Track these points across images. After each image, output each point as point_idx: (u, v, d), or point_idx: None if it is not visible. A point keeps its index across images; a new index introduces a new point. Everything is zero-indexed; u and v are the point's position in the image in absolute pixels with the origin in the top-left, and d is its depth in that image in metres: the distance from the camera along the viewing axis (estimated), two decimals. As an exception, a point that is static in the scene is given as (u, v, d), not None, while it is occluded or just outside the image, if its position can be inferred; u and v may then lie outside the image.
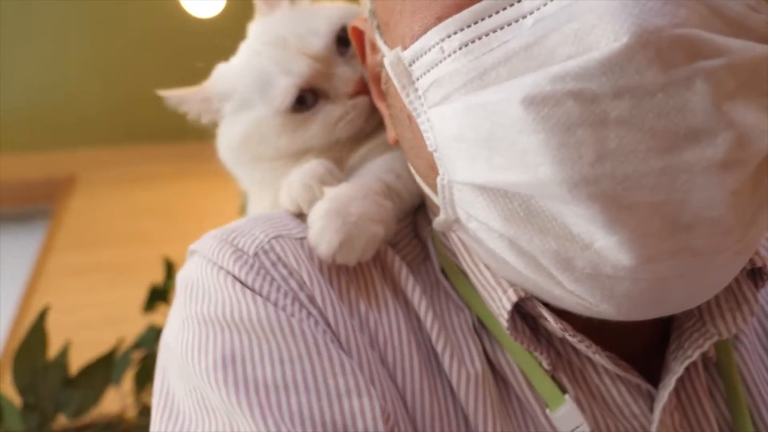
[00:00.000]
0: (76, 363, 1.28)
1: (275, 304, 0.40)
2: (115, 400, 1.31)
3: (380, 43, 0.42)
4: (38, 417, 1.06)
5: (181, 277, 0.46)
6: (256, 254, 0.43)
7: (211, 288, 0.42)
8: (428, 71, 0.36)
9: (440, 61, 0.35)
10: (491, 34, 0.33)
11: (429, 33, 0.35)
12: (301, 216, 0.48)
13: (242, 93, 0.53)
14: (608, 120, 0.29)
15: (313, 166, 0.49)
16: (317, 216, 0.45)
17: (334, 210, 0.44)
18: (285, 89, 0.51)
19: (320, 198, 0.47)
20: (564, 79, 0.30)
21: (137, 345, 1.33)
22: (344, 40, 0.52)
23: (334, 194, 0.46)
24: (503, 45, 0.32)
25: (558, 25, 0.31)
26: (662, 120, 0.29)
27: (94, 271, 2.10)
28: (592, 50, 0.29)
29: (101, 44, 2.19)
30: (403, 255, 0.46)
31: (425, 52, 0.36)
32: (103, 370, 1.21)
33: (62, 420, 1.19)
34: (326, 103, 0.51)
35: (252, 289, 0.41)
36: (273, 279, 0.42)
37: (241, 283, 0.41)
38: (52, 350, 1.24)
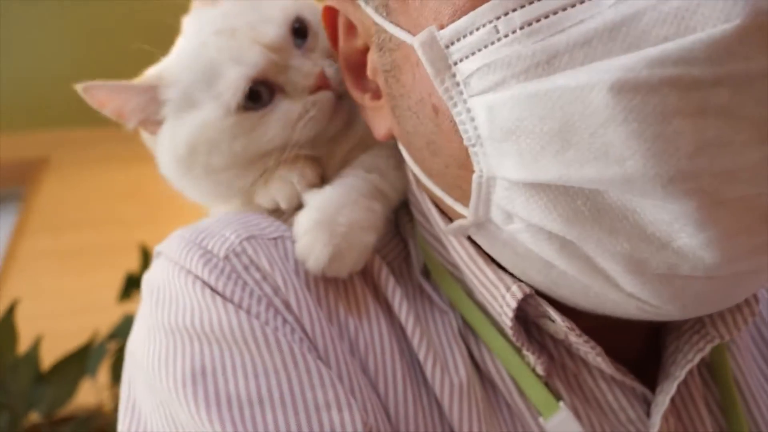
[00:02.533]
0: (49, 353, 1.25)
1: (248, 312, 0.38)
2: (91, 393, 1.28)
3: (385, 23, 0.37)
4: (8, 416, 1.04)
5: (147, 281, 0.43)
6: (226, 257, 0.40)
7: (179, 294, 0.40)
8: (473, 54, 0.32)
9: (492, 42, 0.31)
10: (560, 12, 0.29)
11: (481, 8, 0.31)
12: (275, 213, 0.46)
13: (186, 89, 0.45)
14: (707, 108, 0.27)
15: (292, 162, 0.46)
16: (304, 229, 0.41)
17: (322, 221, 0.41)
18: (235, 81, 0.43)
19: (300, 193, 0.44)
20: (663, 63, 0.27)
21: (113, 335, 1.30)
22: (300, 32, 0.46)
23: (320, 202, 0.43)
24: (578, 25, 0.29)
25: (651, 2, 0.27)
26: (761, 108, 0.27)
27: (68, 256, 2.07)
28: (697, 31, 0.26)
29: (75, 23, 2.14)
30: (384, 254, 0.44)
31: (471, 32, 0.31)
32: (77, 363, 1.18)
33: (34, 417, 1.17)
34: (283, 99, 0.45)
35: (222, 296, 0.39)
36: (245, 284, 0.39)
37: (211, 288, 0.39)
38: (24, 340, 1.22)
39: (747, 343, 0.44)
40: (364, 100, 0.43)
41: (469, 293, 0.41)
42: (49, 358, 1.25)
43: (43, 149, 2.49)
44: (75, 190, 2.34)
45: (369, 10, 0.39)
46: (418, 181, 0.42)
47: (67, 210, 2.28)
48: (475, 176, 0.34)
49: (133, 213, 2.11)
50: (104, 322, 1.39)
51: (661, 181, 0.28)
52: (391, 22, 0.37)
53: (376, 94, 0.42)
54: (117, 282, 1.41)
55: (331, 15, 0.44)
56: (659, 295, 0.32)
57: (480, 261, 0.39)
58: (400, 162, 0.45)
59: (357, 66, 0.43)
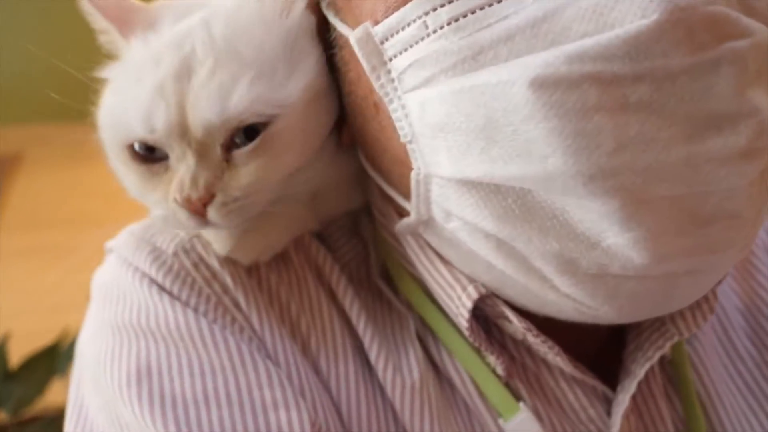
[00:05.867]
0: (19, 351, 1.23)
1: (195, 310, 0.37)
2: (61, 392, 1.26)
3: (335, 21, 0.37)
4: (-27, 414, 1.02)
5: (97, 279, 0.42)
6: (175, 254, 0.39)
7: (126, 292, 0.39)
8: (405, 50, 0.31)
9: (422, 38, 0.30)
10: (486, 8, 0.29)
11: (409, 5, 0.31)
12: None
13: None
14: (628, 105, 0.27)
15: None
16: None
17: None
18: (123, 132, 0.36)
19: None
20: (582, 59, 0.26)
21: (84, 333, 1.28)
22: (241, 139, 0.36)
23: None
24: (503, 20, 0.28)
25: None
26: (684, 105, 0.27)
27: (40, 254, 2.03)
28: (615, 27, 0.26)
29: (51, 18, 2.11)
30: (340, 255, 0.43)
31: (403, 28, 0.31)
32: (46, 362, 1.17)
33: (1, 416, 1.15)
34: (179, 163, 0.36)
35: (170, 293, 0.38)
36: (194, 282, 0.38)
37: (158, 286, 0.38)
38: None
39: (712, 341, 0.44)
40: None
41: (428, 293, 0.40)
42: (19, 356, 1.23)
43: (17, 145, 2.45)
44: (49, 187, 2.31)
45: (323, 7, 0.38)
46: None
47: (40, 207, 2.25)
48: (413, 174, 0.34)
49: (108, 211, 2.07)
50: (76, 319, 1.36)
51: (582, 178, 0.28)
52: (340, 19, 0.36)
53: None
54: (89, 281, 1.39)
55: None
56: (593, 296, 0.32)
57: (437, 261, 0.38)
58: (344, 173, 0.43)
59: None
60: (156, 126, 0.34)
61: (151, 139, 0.35)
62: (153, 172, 0.36)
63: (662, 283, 0.31)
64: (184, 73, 0.34)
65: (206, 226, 0.36)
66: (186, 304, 0.37)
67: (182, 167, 0.35)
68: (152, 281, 0.38)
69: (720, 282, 0.38)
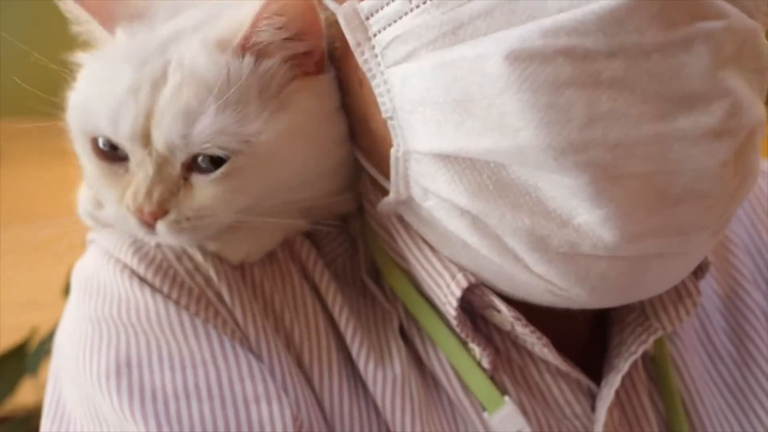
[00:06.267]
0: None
1: (177, 303, 0.37)
2: (32, 392, 1.24)
3: (327, 1, 0.36)
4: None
5: (77, 270, 0.42)
6: (158, 245, 0.39)
7: (107, 284, 0.38)
8: (389, 25, 0.32)
9: (405, 13, 0.31)
10: None
11: None
12: None
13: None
14: (600, 80, 0.27)
15: None
16: None
17: None
18: (90, 126, 0.36)
19: None
20: (557, 33, 0.27)
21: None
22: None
23: None
24: None
25: None
26: (656, 83, 0.28)
27: (16, 250, 1.99)
28: (591, 2, 0.27)
29: (29, 12, 2.08)
30: (326, 252, 0.43)
31: (387, 3, 0.32)
32: (15, 361, 1.14)
33: (-31, 416, 1.12)
34: (138, 168, 0.35)
35: (151, 286, 0.37)
36: (176, 274, 0.38)
37: (140, 278, 0.38)
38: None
39: (693, 341, 0.44)
40: None
41: (417, 285, 0.40)
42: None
43: (-12, 141, 2.41)
44: (27, 183, 2.27)
45: None
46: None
47: (9, 203, 2.20)
48: (393, 150, 0.34)
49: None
50: (50, 317, 1.34)
51: (552, 152, 0.28)
52: None
53: None
54: (61, 277, 1.37)
55: None
56: (565, 277, 0.32)
57: (427, 250, 0.38)
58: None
59: None
60: (121, 128, 0.34)
61: (114, 139, 0.35)
62: (113, 170, 0.36)
63: (633, 265, 0.32)
64: (161, 81, 0.34)
65: (154, 238, 0.36)
66: (168, 296, 0.37)
67: (140, 174, 0.35)
68: (133, 273, 0.38)
69: (702, 277, 0.39)
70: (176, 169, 0.35)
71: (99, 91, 0.35)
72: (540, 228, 0.31)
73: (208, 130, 0.33)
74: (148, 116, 0.34)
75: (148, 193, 0.34)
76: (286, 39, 0.35)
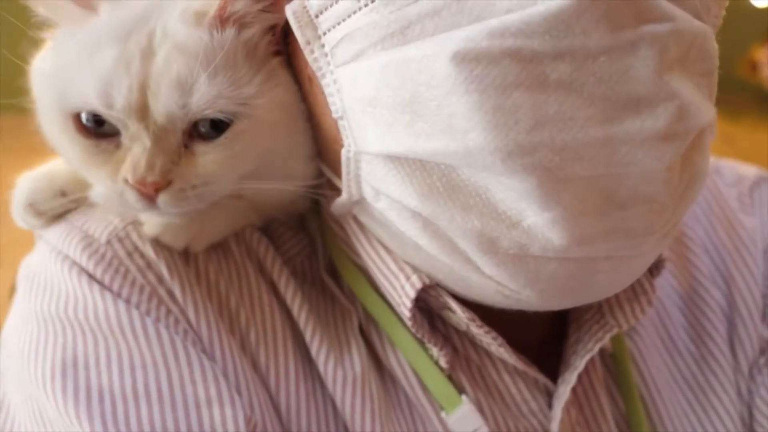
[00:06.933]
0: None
1: (127, 301, 0.36)
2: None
3: None
4: None
5: (24, 267, 0.40)
6: (108, 242, 0.37)
7: (54, 281, 0.37)
8: (338, 24, 0.31)
9: (354, 12, 0.31)
10: None
11: None
12: None
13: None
14: (548, 83, 0.27)
15: None
16: None
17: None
18: (72, 102, 0.34)
19: None
20: (503, 34, 0.27)
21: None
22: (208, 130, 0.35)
23: None
24: None
25: None
26: (602, 86, 0.27)
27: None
28: (537, 4, 0.27)
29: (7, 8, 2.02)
30: (285, 250, 0.42)
31: (336, 1, 0.31)
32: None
33: None
34: (133, 142, 0.34)
35: (100, 283, 0.36)
36: (127, 271, 0.37)
37: (89, 275, 0.36)
38: None
39: (651, 335, 0.45)
40: None
41: (373, 284, 0.40)
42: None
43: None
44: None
45: None
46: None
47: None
48: (343, 151, 0.34)
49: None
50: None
51: (500, 155, 0.28)
52: None
53: None
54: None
55: None
56: (515, 278, 0.32)
57: (381, 249, 0.38)
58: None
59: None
60: (115, 102, 0.32)
61: (105, 113, 0.33)
62: (100, 147, 0.34)
63: (582, 267, 0.32)
64: (149, 52, 0.33)
65: (152, 211, 0.35)
66: (117, 294, 0.36)
67: (137, 148, 0.33)
68: (82, 270, 0.36)
69: (657, 275, 0.39)
70: (176, 138, 0.34)
71: (80, 64, 0.33)
72: (490, 230, 0.31)
73: (206, 97, 0.33)
74: (143, 88, 0.32)
75: (150, 164, 0.33)
76: (261, 11, 0.35)
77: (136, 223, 0.38)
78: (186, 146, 0.34)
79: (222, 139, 0.34)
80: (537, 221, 0.29)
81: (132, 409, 0.32)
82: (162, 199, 0.34)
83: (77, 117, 0.34)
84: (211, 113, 0.33)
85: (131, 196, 0.34)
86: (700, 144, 0.32)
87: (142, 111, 0.33)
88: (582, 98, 0.27)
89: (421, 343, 0.38)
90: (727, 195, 0.48)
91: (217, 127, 0.34)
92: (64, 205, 0.39)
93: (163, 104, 0.33)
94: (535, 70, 0.27)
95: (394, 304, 0.38)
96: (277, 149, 0.37)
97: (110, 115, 0.33)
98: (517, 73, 0.27)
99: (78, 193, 0.38)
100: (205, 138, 0.34)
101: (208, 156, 0.34)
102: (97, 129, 0.34)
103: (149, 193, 0.34)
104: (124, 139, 0.34)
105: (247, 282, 0.39)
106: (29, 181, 0.40)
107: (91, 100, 0.33)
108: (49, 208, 0.39)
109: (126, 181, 0.34)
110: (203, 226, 0.38)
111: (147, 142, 0.33)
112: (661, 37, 0.28)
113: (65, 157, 0.37)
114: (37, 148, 0.37)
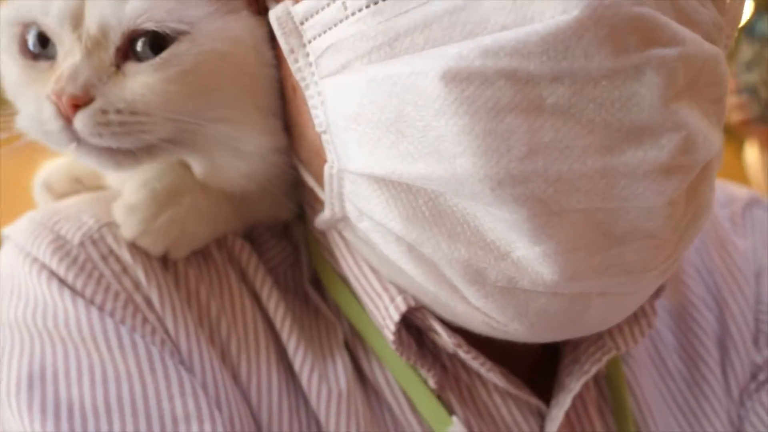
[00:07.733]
0: None
1: (101, 308, 0.34)
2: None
3: (269, 2, 0.34)
4: None
5: None
6: (82, 244, 0.35)
7: (21, 285, 0.35)
8: (324, 32, 0.30)
9: (341, 21, 0.29)
10: None
11: None
12: None
13: None
14: (544, 107, 0.25)
15: None
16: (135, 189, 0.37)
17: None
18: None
19: None
20: (497, 53, 0.25)
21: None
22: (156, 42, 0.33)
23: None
24: (422, 6, 0.27)
25: None
26: (603, 113, 0.26)
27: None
28: (535, 22, 0.25)
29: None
30: (268, 258, 0.40)
31: (323, 8, 0.30)
32: None
33: None
34: (66, 58, 0.32)
35: (72, 289, 0.34)
36: (101, 276, 0.35)
37: (59, 280, 0.34)
38: None
39: (644, 358, 0.44)
40: None
41: (359, 299, 0.38)
42: None
43: None
44: None
45: None
46: None
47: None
48: (326, 167, 0.32)
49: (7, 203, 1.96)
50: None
51: (489, 183, 0.26)
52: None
53: None
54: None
55: None
56: (503, 311, 0.31)
57: (365, 267, 0.36)
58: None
59: None
60: (51, 9, 0.31)
61: (43, 23, 0.32)
62: (38, 68, 0.33)
63: (574, 303, 0.30)
64: None
65: (69, 140, 0.32)
66: (90, 301, 0.34)
67: (67, 62, 0.32)
68: (52, 274, 0.34)
69: (657, 298, 0.38)
70: (108, 55, 0.32)
71: None
72: (477, 260, 0.29)
73: (143, 6, 0.31)
74: None
75: (72, 75, 0.31)
76: None
77: (112, 225, 0.36)
78: (119, 67, 0.32)
79: (157, 59, 0.32)
80: (527, 254, 0.28)
81: (104, 424, 0.31)
82: (79, 119, 0.31)
83: (24, 41, 0.33)
84: (147, 26, 0.31)
85: (48, 113, 0.31)
86: (708, 175, 0.30)
87: (77, 20, 0.31)
88: (580, 125, 0.26)
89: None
90: (720, 216, 0.47)
91: (157, 51, 0.32)
92: (76, 189, 0.41)
93: (98, 11, 0.31)
94: (530, 93, 0.25)
95: (378, 325, 0.37)
96: (223, 90, 0.34)
97: (47, 25, 0.32)
98: (511, 96, 0.25)
99: (92, 182, 0.41)
100: (141, 60, 0.32)
101: (139, 77, 0.32)
102: (40, 52, 0.33)
103: (66, 110, 0.31)
104: (59, 56, 0.32)
105: (228, 289, 0.37)
106: (52, 164, 0.43)
107: (33, 10, 0.32)
108: (61, 189, 0.41)
109: (48, 96, 0.31)
110: (184, 231, 0.36)
111: (77, 55, 0.31)
112: (668, 62, 0.26)
113: (4, 83, 0.35)
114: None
